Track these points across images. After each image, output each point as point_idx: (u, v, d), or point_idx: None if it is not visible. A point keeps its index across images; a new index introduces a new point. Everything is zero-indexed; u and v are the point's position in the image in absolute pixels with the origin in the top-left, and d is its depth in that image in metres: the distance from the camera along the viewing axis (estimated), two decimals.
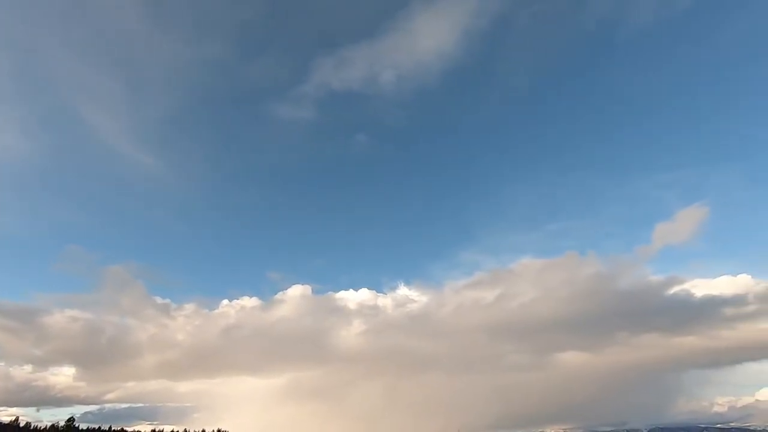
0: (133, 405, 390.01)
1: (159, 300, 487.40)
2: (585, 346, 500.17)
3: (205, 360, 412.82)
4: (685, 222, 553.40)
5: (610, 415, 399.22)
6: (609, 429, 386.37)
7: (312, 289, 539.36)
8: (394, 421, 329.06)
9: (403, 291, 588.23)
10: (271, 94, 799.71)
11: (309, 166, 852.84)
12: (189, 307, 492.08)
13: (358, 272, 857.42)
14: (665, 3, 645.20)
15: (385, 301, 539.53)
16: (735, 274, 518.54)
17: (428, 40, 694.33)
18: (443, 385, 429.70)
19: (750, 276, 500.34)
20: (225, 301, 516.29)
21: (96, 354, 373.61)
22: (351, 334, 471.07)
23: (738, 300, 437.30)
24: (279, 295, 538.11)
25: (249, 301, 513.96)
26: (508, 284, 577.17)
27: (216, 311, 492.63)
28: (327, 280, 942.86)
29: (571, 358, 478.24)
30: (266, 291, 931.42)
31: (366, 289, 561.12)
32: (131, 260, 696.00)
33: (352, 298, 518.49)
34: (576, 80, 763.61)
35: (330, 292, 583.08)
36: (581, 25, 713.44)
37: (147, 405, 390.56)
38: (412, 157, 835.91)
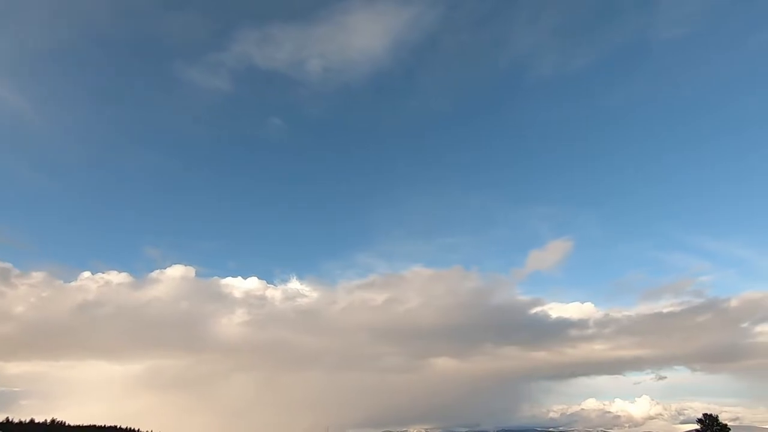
0: None
1: None
2: (455, 353, 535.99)
3: (49, 338, 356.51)
4: (553, 252, 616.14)
5: (467, 417, 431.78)
6: (464, 430, 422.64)
7: (196, 272, 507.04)
8: (262, 416, 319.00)
9: (294, 284, 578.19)
10: (184, 54, 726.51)
11: (215, 140, 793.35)
12: (37, 276, 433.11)
13: (249, 260, 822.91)
14: (566, 58, 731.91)
15: (274, 292, 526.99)
16: (582, 301, 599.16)
17: (360, 39, 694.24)
18: (321, 383, 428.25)
19: (593, 304, 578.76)
20: (86, 273, 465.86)
21: None
22: (232, 324, 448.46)
23: (581, 323, 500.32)
24: (155, 274, 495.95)
25: (117, 276, 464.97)
26: (398, 289, 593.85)
27: (73, 283, 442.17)
28: (214, 264, 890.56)
29: (442, 364, 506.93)
30: (140, 267, 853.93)
31: (256, 278, 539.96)
32: None
33: (240, 285, 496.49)
34: (487, 112, 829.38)
35: (216, 277, 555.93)
36: (498, 62, 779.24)
37: None
38: (325, 152, 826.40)
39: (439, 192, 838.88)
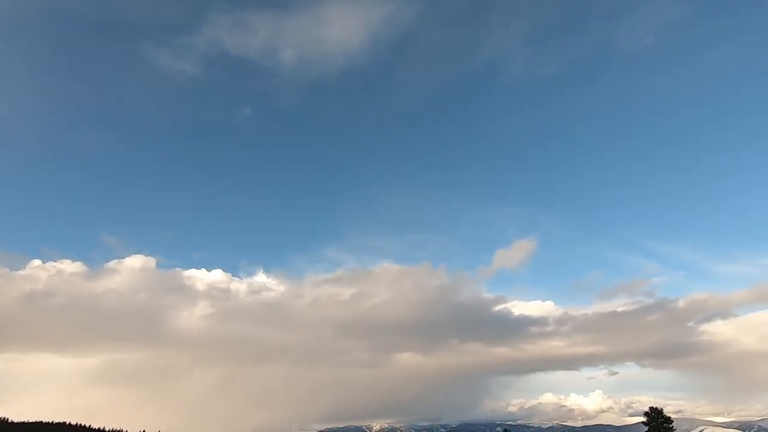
0: None
1: None
2: (420, 349, 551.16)
3: None
4: (518, 251, 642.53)
5: (429, 412, 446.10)
6: (426, 424, 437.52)
7: (157, 263, 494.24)
8: (224, 411, 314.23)
9: (260, 278, 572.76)
10: (151, 35, 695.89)
11: (181, 126, 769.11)
12: None
13: (214, 251, 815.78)
14: (536, 63, 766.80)
15: (239, 285, 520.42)
16: (544, 300, 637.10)
17: (337, 32, 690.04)
18: (285, 377, 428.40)
19: (553, 303, 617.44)
20: (36, 262, 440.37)
21: None
22: (194, 317, 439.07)
23: (542, 321, 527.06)
24: (113, 264, 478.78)
25: (70, 266, 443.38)
26: (366, 284, 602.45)
27: (20, 272, 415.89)
28: (177, 255, 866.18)
29: (407, 359, 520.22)
30: (96, 257, 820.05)
31: (221, 270, 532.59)
32: None
33: (203, 278, 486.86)
34: (459, 112, 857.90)
35: (178, 269, 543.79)
36: (471, 63, 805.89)
37: None
38: (296, 145, 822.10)
39: (409, 189, 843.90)
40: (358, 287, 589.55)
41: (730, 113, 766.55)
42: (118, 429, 78.54)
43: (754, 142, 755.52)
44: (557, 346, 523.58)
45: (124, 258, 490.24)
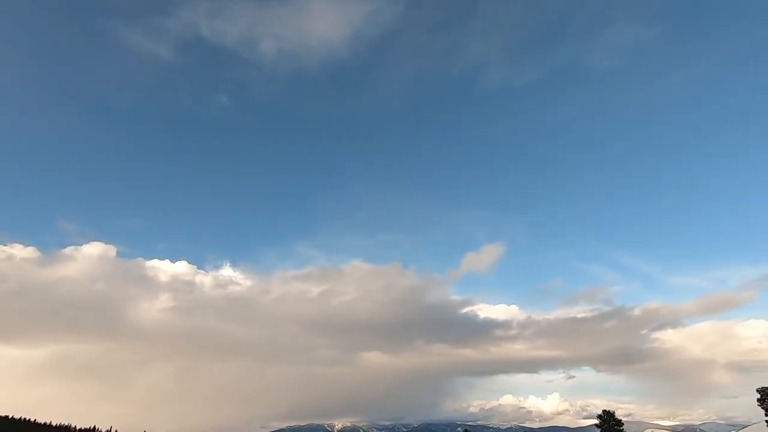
0: None
1: None
2: (387, 349, 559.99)
3: None
4: (487, 255, 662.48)
5: (392, 411, 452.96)
6: (388, 423, 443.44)
7: (117, 251, 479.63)
8: (182, 408, 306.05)
9: (227, 271, 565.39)
10: (123, 14, 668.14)
11: (153, 112, 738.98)
12: None
13: (179, 243, 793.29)
14: (512, 73, 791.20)
15: (204, 278, 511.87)
16: (509, 304, 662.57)
17: (319, 26, 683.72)
18: (248, 374, 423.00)
19: (517, 307, 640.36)
20: None
21: None
22: (154, 309, 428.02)
23: (506, 325, 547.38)
24: (69, 250, 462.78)
25: (21, 251, 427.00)
26: (336, 282, 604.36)
27: None
28: (139, 244, 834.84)
29: (374, 358, 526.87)
30: (51, 242, 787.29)
31: (186, 262, 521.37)
32: None
33: (167, 269, 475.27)
34: (436, 116, 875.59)
35: (140, 258, 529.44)
36: (451, 69, 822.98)
37: None
38: (272, 138, 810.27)
39: (384, 189, 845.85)
40: (327, 285, 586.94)
41: (691, 133, 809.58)
42: (66, 424, 74.93)
43: (711, 163, 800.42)
44: (519, 349, 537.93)
45: (81, 245, 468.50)
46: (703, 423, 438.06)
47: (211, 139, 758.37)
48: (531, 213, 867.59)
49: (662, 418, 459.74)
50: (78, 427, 75.07)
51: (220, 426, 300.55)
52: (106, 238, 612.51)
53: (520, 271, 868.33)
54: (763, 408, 47.44)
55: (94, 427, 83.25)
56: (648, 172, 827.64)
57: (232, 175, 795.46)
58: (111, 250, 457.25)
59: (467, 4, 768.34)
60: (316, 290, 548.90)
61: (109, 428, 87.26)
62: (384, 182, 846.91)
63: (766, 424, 47.19)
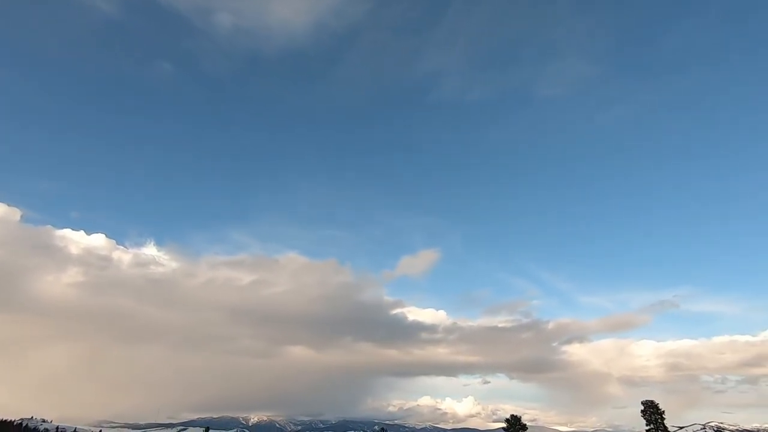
0: None
1: None
2: (314, 344, 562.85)
3: None
4: (422, 260, 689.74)
5: (312, 407, 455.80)
6: (306, 419, 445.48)
7: (22, 216, 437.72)
8: (81, 393, 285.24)
9: (150, 250, 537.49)
10: None
11: (85, 67, 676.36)
12: None
13: (97, 213, 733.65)
14: (465, 87, 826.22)
15: (124, 255, 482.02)
16: (437, 308, 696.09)
17: (281, 8, 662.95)
18: (162, 360, 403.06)
19: (445, 312, 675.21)
20: None
21: None
22: (60, 283, 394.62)
23: (432, 328, 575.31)
24: None
25: None
26: (269, 273, 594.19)
27: None
28: (50, 210, 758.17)
29: (299, 352, 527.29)
30: None
31: (104, 235, 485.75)
32: None
33: (80, 240, 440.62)
34: (389, 118, 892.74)
35: (49, 226, 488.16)
36: (411, 72, 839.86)
37: None
38: (217, 116, 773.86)
39: (327, 184, 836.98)
40: (259, 274, 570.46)
41: (619, 169, 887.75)
42: None
43: (629, 198, 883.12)
44: (442, 353, 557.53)
45: None
46: (595, 430, 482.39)
47: (148, 106, 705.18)
48: (467, 223, 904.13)
49: (561, 424, 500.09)
50: None
51: (122, 414, 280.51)
52: (10, 200, 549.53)
53: (451, 278, 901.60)
54: (645, 419, 53.52)
55: None
56: (574, 198, 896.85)
57: (167, 148, 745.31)
58: (15, 213, 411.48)
59: (435, 10, 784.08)
60: (246, 279, 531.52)
61: None
62: (329, 177, 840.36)
63: None
